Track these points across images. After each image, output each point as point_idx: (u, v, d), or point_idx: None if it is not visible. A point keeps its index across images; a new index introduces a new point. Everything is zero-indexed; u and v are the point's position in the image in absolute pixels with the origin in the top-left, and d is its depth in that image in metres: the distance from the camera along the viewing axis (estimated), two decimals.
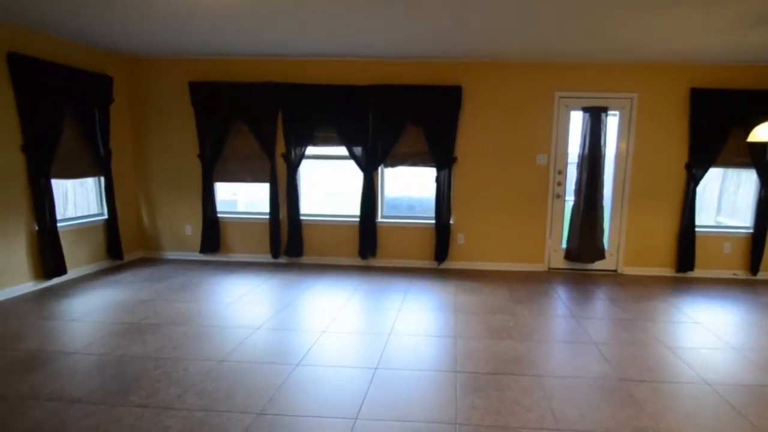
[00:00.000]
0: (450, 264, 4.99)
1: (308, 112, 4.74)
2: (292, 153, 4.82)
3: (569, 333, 3.17)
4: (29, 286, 3.86)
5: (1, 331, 2.97)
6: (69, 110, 4.17)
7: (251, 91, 4.74)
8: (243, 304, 3.65)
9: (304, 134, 4.80)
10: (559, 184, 4.80)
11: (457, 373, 2.51)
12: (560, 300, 3.92)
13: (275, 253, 5.01)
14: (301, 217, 5.01)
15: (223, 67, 4.82)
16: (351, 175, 4.94)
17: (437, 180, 4.75)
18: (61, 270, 4.08)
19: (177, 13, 3.34)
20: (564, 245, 4.92)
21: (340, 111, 4.70)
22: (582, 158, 4.69)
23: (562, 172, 4.79)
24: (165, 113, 4.99)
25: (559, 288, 4.28)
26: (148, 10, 3.29)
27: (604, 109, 4.59)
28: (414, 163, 4.84)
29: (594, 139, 4.61)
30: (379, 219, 5.00)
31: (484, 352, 2.78)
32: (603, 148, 4.63)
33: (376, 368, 2.55)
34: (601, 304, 3.86)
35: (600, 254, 4.79)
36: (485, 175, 4.84)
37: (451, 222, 4.89)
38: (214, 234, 5.05)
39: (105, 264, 4.72)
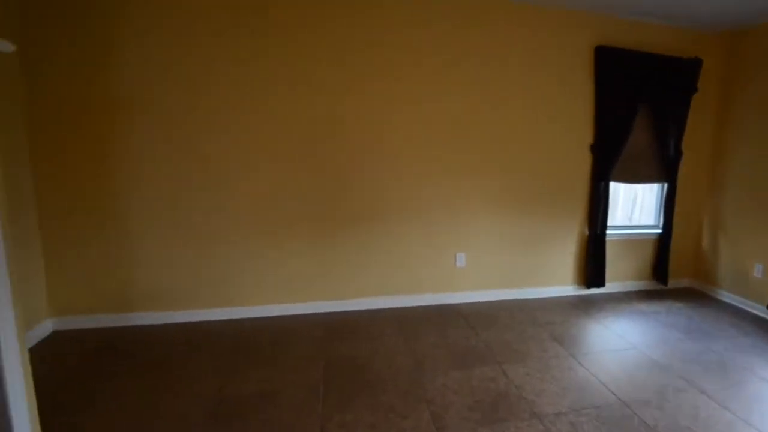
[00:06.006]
0: None
1: None
2: None
3: None
4: (569, 290, 3.80)
5: (512, 341, 2.94)
6: (643, 104, 3.60)
7: None
8: None
9: None
10: None
11: None
12: None
13: None
14: None
15: None
16: None
17: None
18: (600, 282, 3.75)
19: None
20: None
21: None
22: None
23: None
24: (763, 103, 3.38)
25: None
26: None
27: None
28: None
29: None
30: None
31: None
32: None
33: None
34: None
35: None
36: None
37: None
38: None
39: (643, 285, 3.98)
